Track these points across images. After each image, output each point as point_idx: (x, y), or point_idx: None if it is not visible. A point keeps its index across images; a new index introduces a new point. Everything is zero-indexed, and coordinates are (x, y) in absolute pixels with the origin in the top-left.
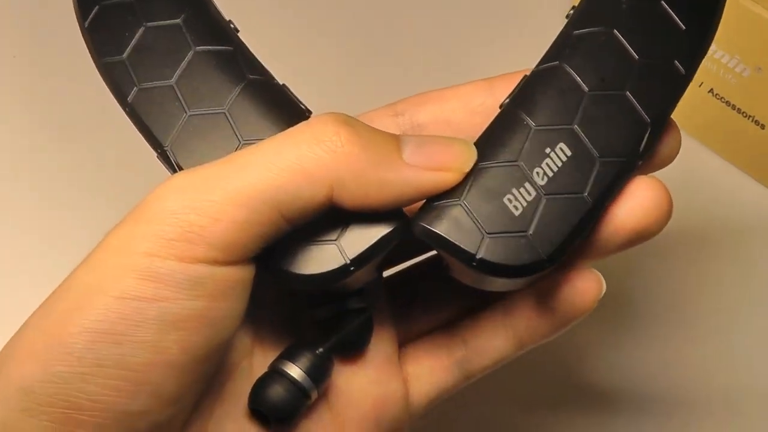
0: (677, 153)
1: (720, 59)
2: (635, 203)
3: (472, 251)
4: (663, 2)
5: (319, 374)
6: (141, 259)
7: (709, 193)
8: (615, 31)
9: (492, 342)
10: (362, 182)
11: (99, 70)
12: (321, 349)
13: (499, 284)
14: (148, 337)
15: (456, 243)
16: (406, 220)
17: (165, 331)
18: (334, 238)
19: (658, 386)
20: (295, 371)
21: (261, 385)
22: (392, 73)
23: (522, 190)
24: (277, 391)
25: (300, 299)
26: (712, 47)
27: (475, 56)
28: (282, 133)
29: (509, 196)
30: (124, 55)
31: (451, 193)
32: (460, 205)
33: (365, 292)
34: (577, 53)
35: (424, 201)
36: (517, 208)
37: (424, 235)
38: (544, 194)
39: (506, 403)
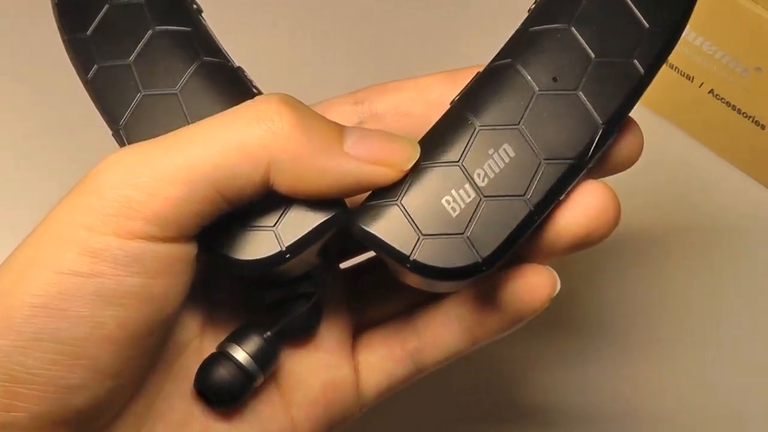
0: (638, 156)
1: (720, 59)
2: (578, 209)
3: (406, 252)
4: (627, 0)
5: (266, 358)
6: (80, 233)
7: (708, 194)
8: (572, 28)
9: (444, 335)
10: (299, 166)
11: (65, 47)
12: (268, 333)
13: (436, 286)
14: (85, 312)
15: (390, 244)
16: (346, 210)
17: (102, 307)
18: (271, 224)
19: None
20: (240, 354)
21: (206, 368)
22: (356, 62)
23: (461, 191)
24: (221, 374)
25: (251, 281)
26: (713, 47)
27: (442, 48)
28: (225, 111)
29: (448, 197)
30: (88, 32)
31: (389, 192)
32: (397, 204)
33: (315, 277)
34: (530, 51)
35: (364, 199)
36: (455, 210)
37: (360, 234)
38: (484, 196)
39: (452, 417)
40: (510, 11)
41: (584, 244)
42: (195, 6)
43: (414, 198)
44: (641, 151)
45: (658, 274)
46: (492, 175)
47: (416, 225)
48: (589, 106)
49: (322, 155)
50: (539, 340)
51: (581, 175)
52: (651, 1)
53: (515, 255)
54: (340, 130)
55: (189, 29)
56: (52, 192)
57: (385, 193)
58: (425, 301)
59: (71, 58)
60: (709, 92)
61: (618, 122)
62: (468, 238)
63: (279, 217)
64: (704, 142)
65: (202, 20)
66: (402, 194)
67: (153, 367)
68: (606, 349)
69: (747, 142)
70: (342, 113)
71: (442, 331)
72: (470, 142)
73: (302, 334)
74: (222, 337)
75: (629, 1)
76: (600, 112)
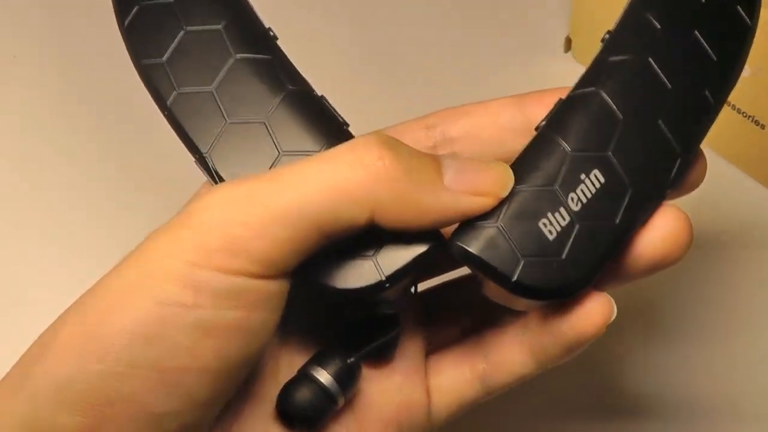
0: (702, 180)
1: None
2: (657, 233)
3: (509, 274)
4: (696, 32)
5: (348, 381)
6: (183, 266)
7: (708, 194)
8: (650, 59)
9: (512, 358)
10: (403, 206)
11: (138, 72)
12: (352, 359)
13: (527, 305)
14: (184, 342)
15: (493, 265)
16: (442, 240)
17: (201, 338)
18: (371, 254)
19: (663, 396)
20: (324, 377)
21: (290, 388)
22: (423, 87)
23: (557, 215)
24: (305, 395)
25: (329, 303)
26: None
27: (468, 83)
28: (326, 152)
29: (544, 220)
30: (164, 58)
31: (488, 214)
32: (498, 227)
33: (396, 300)
34: (612, 80)
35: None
36: (551, 233)
37: (461, 254)
38: (578, 220)
39: (521, 413)
40: (548, 37)
41: (660, 266)
42: (272, 33)
43: (513, 220)
44: (705, 175)
45: (655, 275)
46: (584, 200)
47: (517, 247)
48: (669, 135)
49: (424, 193)
50: None
51: (662, 200)
52: (716, 34)
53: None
54: (437, 165)
55: (271, 57)
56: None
57: (483, 215)
58: (492, 323)
59: (146, 84)
60: None
61: (694, 150)
62: (564, 260)
63: (377, 248)
64: (704, 142)
65: (280, 47)
66: (501, 216)
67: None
68: (603, 351)
69: (747, 142)
70: (416, 138)
71: (510, 355)
72: (563, 167)
73: (382, 357)
74: (297, 360)
75: (698, 34)
76: (678, 142)
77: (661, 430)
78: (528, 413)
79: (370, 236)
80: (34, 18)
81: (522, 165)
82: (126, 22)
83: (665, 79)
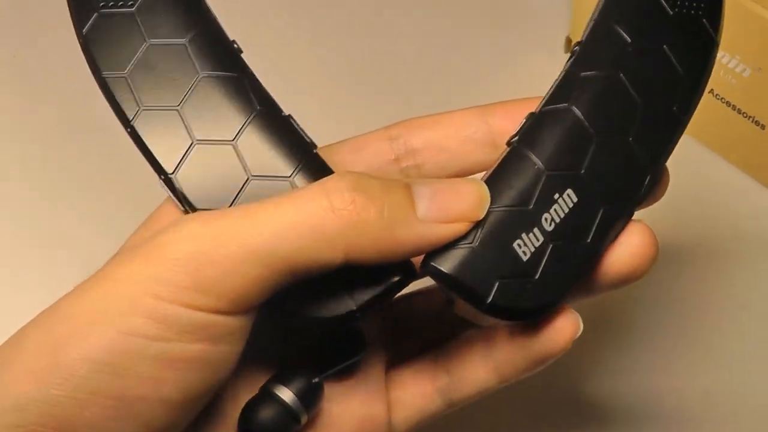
0: (664, 193)
1: (720, 59)
2: (626, 250)
3: (483, 295)
4: (665, 47)
5: (312, 400)
6: (150, 299)
7: (708, 194)
8: (621, 74)
9: (474, 372)
10: (377, 245)
11: (99, 84)
12: (317, 379)
13: (498, 323)
14: (146, 372)
15: (468, 286)
16: (412, 269)
17: (163, 369)
18: (342, 284)
19: (653, 397)
20: (287, 395)
21: (252, 407)
22: (422, 87)
23: (531, 235)
24: (267, 414)
25: (294, 325)
26: None
27: (468, 83)
28: (298, 192)
29: (519, 241)
30: (126, 71)
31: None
32: (472, 248)
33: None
34: (584, 96)
35: None
36: (525, 254)
37: (436, 275)
38: (551, 240)
39: (492, 416)
40: (529, 52)
41: (628, 281)
42: (236, 46)
43: (488, 241)
44: (666, 189)
45: (656, 273)
46: (557, 220)
47: (492, 268)
48: (639, 152)
49: (398, 230)
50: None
51: (631, 217)
52: (683, 48)
53: None
54: (409, 197)
55: (236, 74)
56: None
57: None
58: (454, 336)
59: (107, 98)
60: (709, 92)
61: (662, 166)
62: (537, 280)
63: (351, 278)
64: (704, 142)
65: (245, 62)
66: (476, 237)
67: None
68: (599, 345)
69: (747, 142)
70: (378, 150)
71: (472, 369)
72: (537, 186)
73: (344, 374)
74: (255, 377)
75: (667, 49)
76: (648, 157)
77: None
78: (494, 417)
79: (343, 269)
80: (34, 18)
81: (496, 183)
82: (84, 30)
83: (636, 95)
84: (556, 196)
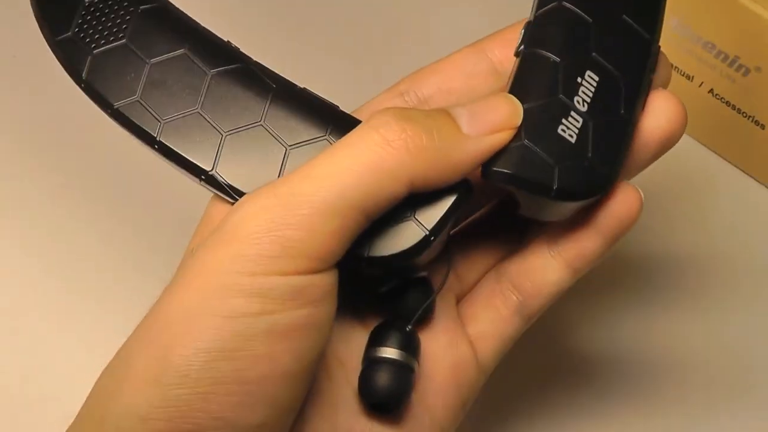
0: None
1: (720, 59)
2: (659, 114)
3: (549, 183)
4: None
5: (414, 347)
6: (244, 278)
7: (708, 194)
8: None
9: (545, 277)
10: (438, 168)
11: (113, 118)
12: (410, 327)
13: (567, 210)
14: (261, 350)
15: (532, 179)
16: (468, 183)
17: (276, 342)
18: (408, 215)
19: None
20: (393, 352)
21: (368, 380)
22: (382, 59)
23: (570, 119)
24: (386, 379)
25: (367, 277)
26: (713, 47)
27: (454, 28)
28: (347, 138)
29: (562, 126)
30: (137, 95)
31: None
32: (524, 144)
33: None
34: None
35: None
36: (572, 137)
37: (499, 178)
38: (590, 119)
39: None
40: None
41: (667, 145)
42: (232, 45)
43: (535, 135)
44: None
45: (656, 274)
46: (588, 100)
47: (548, 157)
48: (636, 26)
49: (452, 149)
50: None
51: (650, 86)
52: None
53: None
54: (449, 117)
55: (243, 65)
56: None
57: None
58: (509, 253)
59: (126, 127)
60: (709, 92)
61: (658, 34)
62: (591, 158)
63: (413, 207)
64: (704, 142)
65: (246, 54)
66: (523, 135)
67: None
68: (601, 347)
69: (747, 142)
70: (393, 105)
71: (542, 274)
72: (558, 76)
73: (422, 322)
74: (342, 349)
75: None
76: (646, 29)
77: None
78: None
79: (407, 197)
80: (34, 18)
81: (520, 86)
82: (84, 75)
83: None
84: (579, 79)
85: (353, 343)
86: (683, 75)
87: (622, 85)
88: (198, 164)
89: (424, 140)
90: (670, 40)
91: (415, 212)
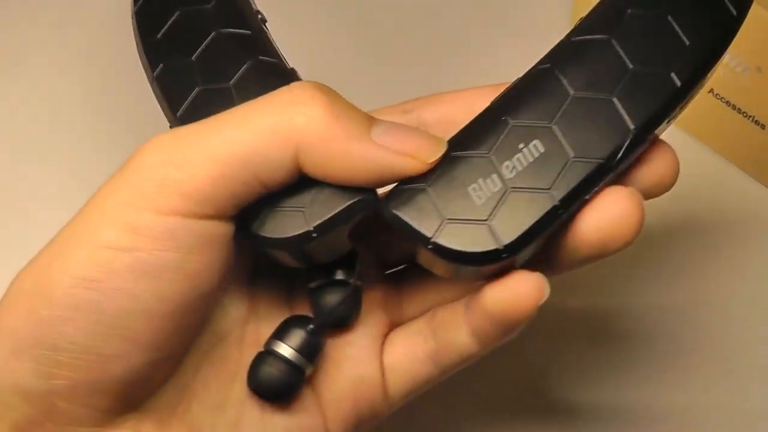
0: (671, 180)
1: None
2: (601, 212)
3: (429, 234)
4: (670, 17)
5: (312, 349)
6: (121, 210)
7: (709, 194)
8: (612, 39)
9: (457, 338)
10: (327, 150)
11: (137, 49)
12: (311, 326)
13: (459, 272)
14: (122, 284)
15: (414, 226)
16: (375, 197)
17: (139, 280)
18: (302, 206)
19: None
20: (287, 350)
21: (255, 367)
22: (421, 85)
23: (489, 180)
24: (271, 372)
25: (296, 273)
26: None
27: (484, 63)
28: (263, 96)
29: (474, 185)
30: (159, 35)
31: (419, 178)
32: (425, 189)
33: (358, 269)
34: (569, 57)
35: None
36: (480, 198)
37: (389, 216)
38: (510, 187)
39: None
40: (549, 23)
41: (603, 248)
42: (260, 15)
43: (441, 184)
44: (676, 175)
45: (656, 274)
46: (520, 168)
47: (440, 209)
48: (623, 111)
49: (349, 141)
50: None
51: (609, 177)
52: (694, 21)
53: (542, 256)
54: (369, 120)
55: (250, 32)
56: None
57: (415, 179)
58: (456, 297)
59: (141, 59)
60: (709, 92)
61: (650, 130)
62: (490, 225)
63: (310, 200)
64: (704, 142)
65: (264, 27)
66: (430, 180)
67: (193, 350)
68: (601, 349)
69: (747, 142)
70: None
71: (455, 334)
72: (501, 136)
73: (339, 324)
74: (264, 328)
75: (671, 19)
76: (632, 118)
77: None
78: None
79: (305, 190)
80: (34, 18)
81: (462, 134)
82: (136, 7)
83: (626, 59)
84: (521, 145)
85: (274, 327)
86: None
87: (567, 165)
88: (171, 108)
89: (327, 117)
90: None
91: (309, 205)
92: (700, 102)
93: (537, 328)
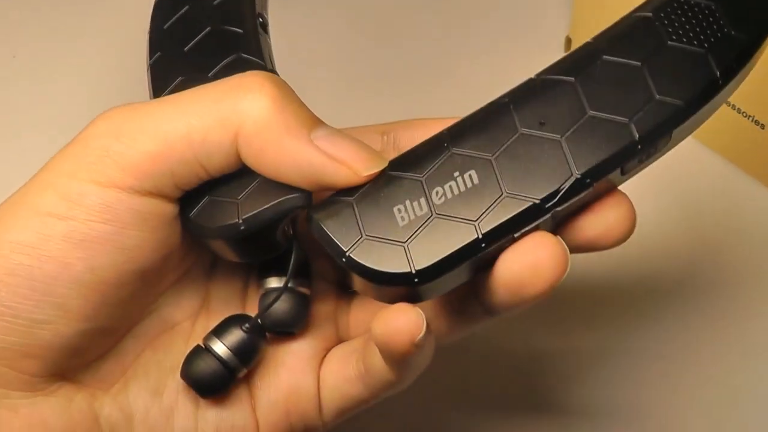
0: (622, 233)
1: None
2: (518, 256)
3: (345, 248)
4: (645, 68)
5: (246, 351)
6: (61, 178)
7: (709, 194)
8: (577, 82)
9: (378, 362)
10: (263, 140)
11: (149, 38)
12: (247, 325)
13: (372, 291)
14: (55, 252)
15: (332, 236)
16: (308, 199)
17: (71, 249)
18: (237, 197)
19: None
20: (220, 348)
21: (189, 360)
22: (420, 87)
23: (415, 203)
24: (202, 368)
25: (254, 273)
26: None
27: (466, 83)
28: (218, 80)
29: (400, 206)
30: (166, 26)
31: (350, 191)
32: (351, 203)
33: (311, 279)
34: (529, 95)
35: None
36: (403, 219)
37: (312, 224)
38: (435, 213)
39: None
40: (548, 37)
41: (518, 293)
42: (261, 19)
43: (368, 199)
44: (629, 230)
45: (657, 274)
46: (450, 196)
47: (362, 224)
48: (569, 154)
49: (287, 135)
50: (538, 333)
51: (542, 219)
52: (670, 76)
53: (473, 297)
54: (314, 121)
55: (240, 31)
56: None
57: (346, 192)
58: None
59: (149, 46)
60: None
61: (596, 178)
62: (407, 247)
63: (245, 192)
64: (704, 142)
65: (260, 29)
66: (358, 195)
67: (138, 333)
68: (602, 349)
69: (747, 142)
70: (369, 140)
71: (377, 359)
72: (438, 162)
73: (280, 329)
74: (214, 323)
75: (645, 70)
76: (578, 163)
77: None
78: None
79: (243, 183)
80: (34, 18)
81: (403, 156)
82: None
83: (585, 102)
84: (456, 174)
85: (224, 316)
86: None
87: (498, 200)
88: (155, 97)
89: (270, 107)
90: None
91: (243, 197)
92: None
93: (532, 319)
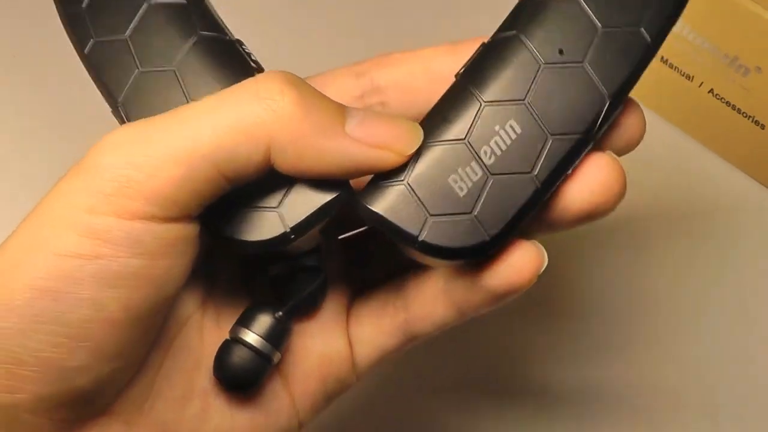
0: (641, 134)
1: (720, 59)
2: (584, 183)
3: (415, 233)
4: None
5: (279, 336)
6: (80, 214)
7: (708, 194)
8: None
9: (432, 308)
10: (299, 146)
11: (62, 22)
12: (280, 313)
13: (442, 264)
14: (86, 294)
15: (398, 225)
16: (350, 190)
17: (103, 289)
18: (275, 204)
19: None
20: (253, 338)
21: (222, 355)
22: (356, 33)
23: (468, 169)
24: (237, 361)
25: (255, 257)
26: (713, 47)
27: (444, 18)
28: (227, 89)
29: (454, 176)
30: (84, 5)
31: (396, 172)
32: (404, 185)
33: (320, 249)
34: (535, 21)
35: (371, 178)
36: (462, 189)
37: (367, 214)
38: (491, 174)
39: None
40: None
41: (590, 217)
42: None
43: (421, 177)
44: (644, 131)
45: (657, 274)
46: (498, 152)
47: (424, 205)
48: (596, 78)
49: (322, 136)
50: (529, 325)
51: (588, 148)
52: None
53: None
54: (342, 111)
55: (184, 2)
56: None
57: (390, 173)
58: (415, 269)
59: (68, 34)
60: (709, 92)
61: (625, 94)
62: (476, 217)
63: (282, 198)
64: (704, 142)
65: None
66: (408, 174)
67: (155, 345)
68: (595, 338)
69: (747, 142)
70: (343, 85)
71: (431, 304)
72: (476, 119)
73: (308, 309)
74: (222, 313)
75: None
76: (607, 84)
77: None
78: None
79: (277, 186)
80: (34, 18)
81: (434, 118)
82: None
83: (594, 18)
84: (497, 128)
85: (233, 309)
86: (683, 75)
87: (547, 144)
88: (111, 92)
89: (298, 111)
90: (671, 39)
91: (282, 203)
92: (699, 102)
93: (515, 307)
